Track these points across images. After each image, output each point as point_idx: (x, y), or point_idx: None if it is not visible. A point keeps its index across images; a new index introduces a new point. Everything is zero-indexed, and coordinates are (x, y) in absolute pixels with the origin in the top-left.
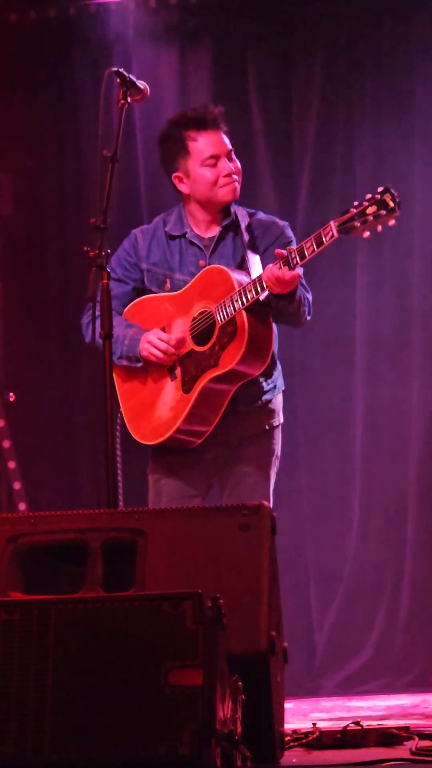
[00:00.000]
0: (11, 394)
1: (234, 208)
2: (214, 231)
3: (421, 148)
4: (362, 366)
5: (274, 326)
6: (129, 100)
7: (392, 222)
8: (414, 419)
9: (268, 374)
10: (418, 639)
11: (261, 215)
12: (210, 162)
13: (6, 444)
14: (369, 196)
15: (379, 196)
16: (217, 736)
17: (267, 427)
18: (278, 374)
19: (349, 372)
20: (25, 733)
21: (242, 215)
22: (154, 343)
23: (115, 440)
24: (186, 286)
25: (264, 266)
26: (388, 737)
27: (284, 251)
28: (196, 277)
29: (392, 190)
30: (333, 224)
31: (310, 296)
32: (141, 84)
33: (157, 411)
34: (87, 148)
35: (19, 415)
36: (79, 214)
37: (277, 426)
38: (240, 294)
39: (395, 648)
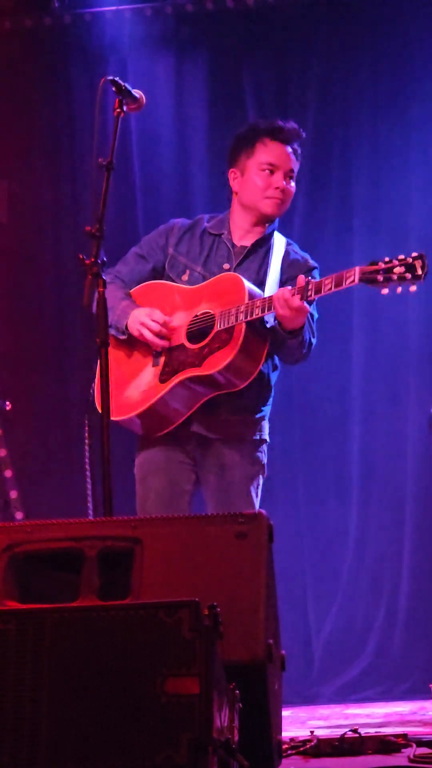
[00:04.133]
0: (7, 402)
1: (273, 229)
2: (248, 241)
3: (416, 154)
4: (359, 367)
5: (269, 348)
6: (125, 108)
7: (413, 288)
8: (411, 420)
9: (262, 398)
10: (415, 646)
11: (296, 248)
12: (267, 168)
13: (2, 452)
14: (402, 256)
15: (410, 260)
16: (214, 745)
17: (253, 438)
18: (270, 404)
19: (346, 373)
20: (20, 743)
21: (279, 241)
22: (147, 324)
23: (110, 448)
24: (200, 284)
25: None
26: (386, 745)
27: (304, 279)
28: (212, 278)
29: (425, 259)
30: (357, 270)
31: (314, 341)
32: (137, 93)
33: (129, 390)
34: (82, 157)
35: (15, 423)
36: (75, 222)
37: (264, 440)
38: (247, 307)
39: (393, 655)
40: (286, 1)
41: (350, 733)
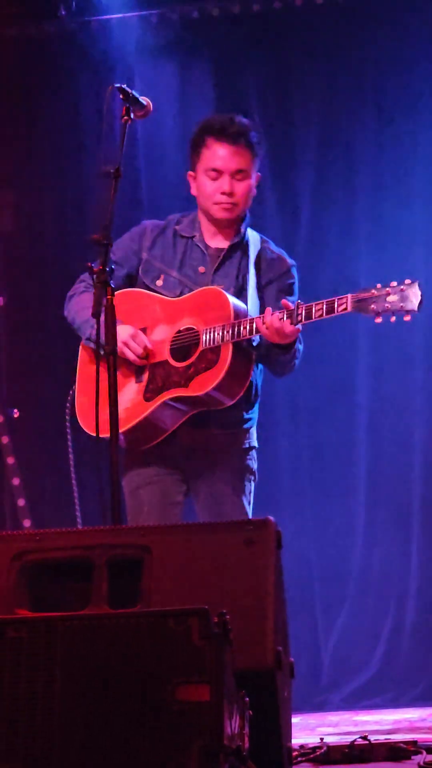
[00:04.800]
0: (15, 410)
1: (246, 228)
2: (222, 244)
3: (422, 159)
4: (365, 367)
5: (254, 367)
6: (132, 116)
7: (408, 318)
8: (419, 425)
9: (250, 405)
10: (424, 652)
11: (271, 246)
12: (212, 174)
13: (10, 460)
14: (395, 284)
15: (404, 288)
16: (224, 752)
17: (242, 447)
18: (257, 408)
19: (351, 375)
20: (33, 751)
21: (254, 240)
22: (129, 344)
23: (118, 456)
24: (182, 297)
25: (261, 299)
26: (396, 752)
27: (291, 305)
28: (195, 291)
29: (420, 287)
30: (350, 298)
31: (302, 347)
32: (144, 100)
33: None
34: (89, 164)
35: (23, 431)
36: (81, 229)
37: (253, 447)
38: (234, 326)
39: (402, 662)
40: (290, 6)
41: (360, 740)
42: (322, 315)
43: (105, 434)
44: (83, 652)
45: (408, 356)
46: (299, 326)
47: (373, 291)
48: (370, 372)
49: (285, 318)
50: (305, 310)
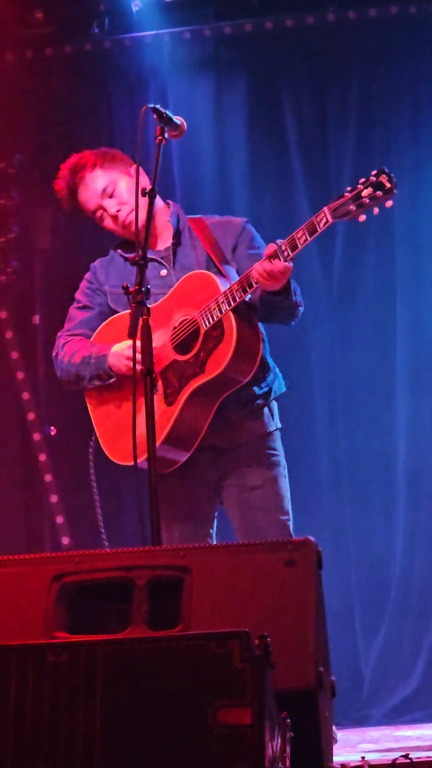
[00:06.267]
0: (52, 427)
1: (174, 217)
2: (166, 242)
3: None
4: (404, 380)
5: (262, 329)
6: (166, 135)
7: (389, 203)
8: None
9: (259, 379)
10: None
11: (215, 218)
12: (97, 217)
13: (48, 478)
14: (363, 179)
15: (374, 179)
16: None
17: (263, 433)
18: (273, 378)
19: (389, 387)
20: None
21: (196, 222)
22: (129, 356)
23: (157, 475)
24: (163, 298)
25: (236, 267)
26: None
27: (274, 246)
28: (175, 286)
29: (387, 171)
30: (326, 210)
31: (298, 288)
32: (178, 119)
33: (137, 429)
34: None
35: (60, 448)
36: None
37: (274, 430)
38: (226, 296)
39: None
40: (324, 20)
41: (402, 758)
42: (306, 239)
43: (140, 458)
44: (124, 676)
45: None
46: (290, 263)
47: (345, 194)
48: (407, 382)
49: (273, 261)
50: (288, 243)
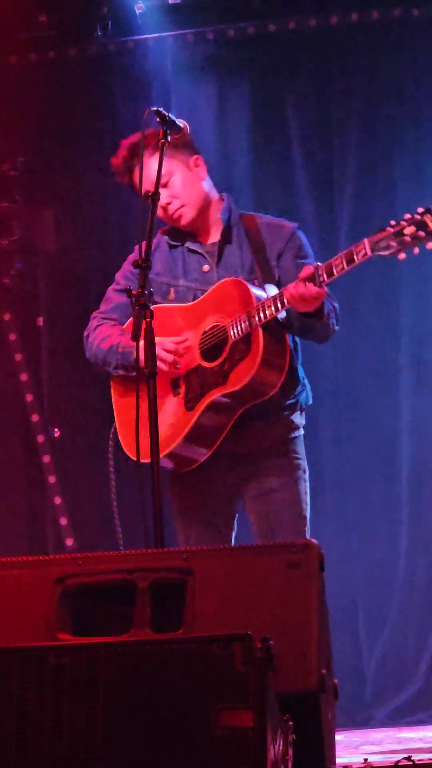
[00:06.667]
0: (56, 429)
1: (226, 213)
2: (214, 237)
3: None
4: (408, 382)
5: (290, 345)
6: (169, 138)
7: (431, 245)
8: None
9: (287, 392)
10: None
11: (267, 218)
12: (148, 202)
13: (51, 479)
14: (408, 216)
15: (419, 217)
16: None
17: (286, 438)
18: (302, 390)
19: (394, 389)
20: None
21: (247, 220)
22: (159, 355)
23: (160, 477)
24: (200, 298)
25: (279, 274)
26: None
27: (311, 268)
28: (212, 289)
29: None
30: (366, 242)
31: (336, 305)
32: (180, 122)
33: (146, 430)
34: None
35: (64, 450)
36: (122, 250)
37: (297, 437)
38: (258, 310)
39: None
40: (327, 23)
41: (404, 760)
42: (343, 268)
43: (146, 458)
44: (126, 678)
45: None
46: (324, 288)
47: (388, 228)
48: (411, 384)
49: (307, 284)
50: (325, 268)
